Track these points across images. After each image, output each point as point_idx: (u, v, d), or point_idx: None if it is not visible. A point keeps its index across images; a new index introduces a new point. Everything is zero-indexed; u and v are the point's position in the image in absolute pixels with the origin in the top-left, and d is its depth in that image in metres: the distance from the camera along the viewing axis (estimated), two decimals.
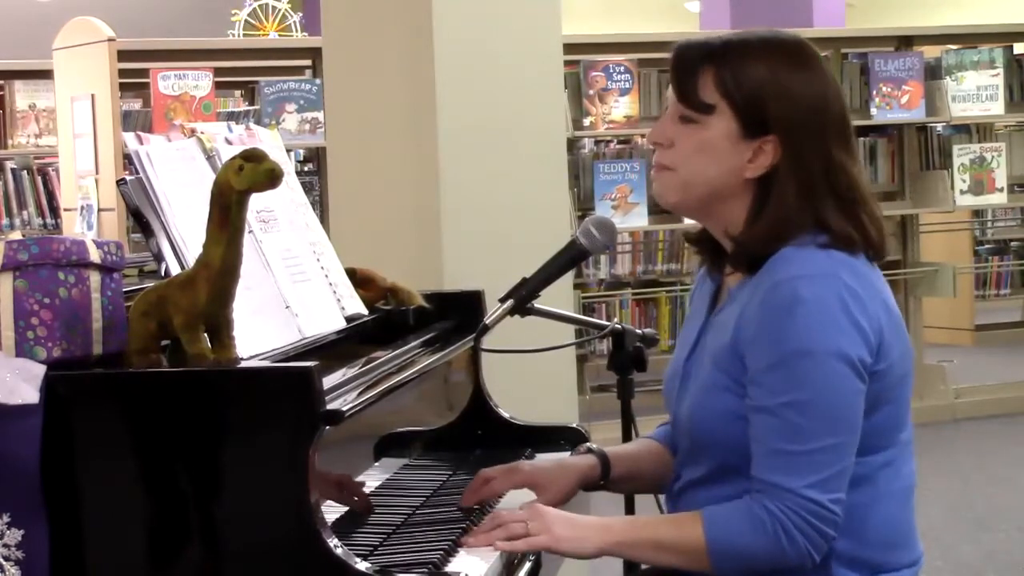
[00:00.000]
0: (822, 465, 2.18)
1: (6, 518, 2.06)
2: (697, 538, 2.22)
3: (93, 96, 6.42)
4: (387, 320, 2.81)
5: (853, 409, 2.21)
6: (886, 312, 2.26)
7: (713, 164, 2.30)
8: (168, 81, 6.64)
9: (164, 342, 2.19)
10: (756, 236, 2.29)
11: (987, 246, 10.53)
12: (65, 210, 6.90)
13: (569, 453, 2.73)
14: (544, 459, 2.66)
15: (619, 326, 2.95)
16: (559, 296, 3.14)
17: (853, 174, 2.30)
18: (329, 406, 2.06)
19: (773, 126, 2.27)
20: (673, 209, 2.42)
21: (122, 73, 6.55)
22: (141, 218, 2.38)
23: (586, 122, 7.33)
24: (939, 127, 8.31)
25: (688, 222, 2.55)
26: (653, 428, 2.63)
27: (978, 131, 8.52)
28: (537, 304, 2.77)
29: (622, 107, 7.34)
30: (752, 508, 2.20)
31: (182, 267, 2.32)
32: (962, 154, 7.93)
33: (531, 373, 3.50)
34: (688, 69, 2.31)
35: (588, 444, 2.63)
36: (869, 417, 2.23)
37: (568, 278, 3.05)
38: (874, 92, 7.76)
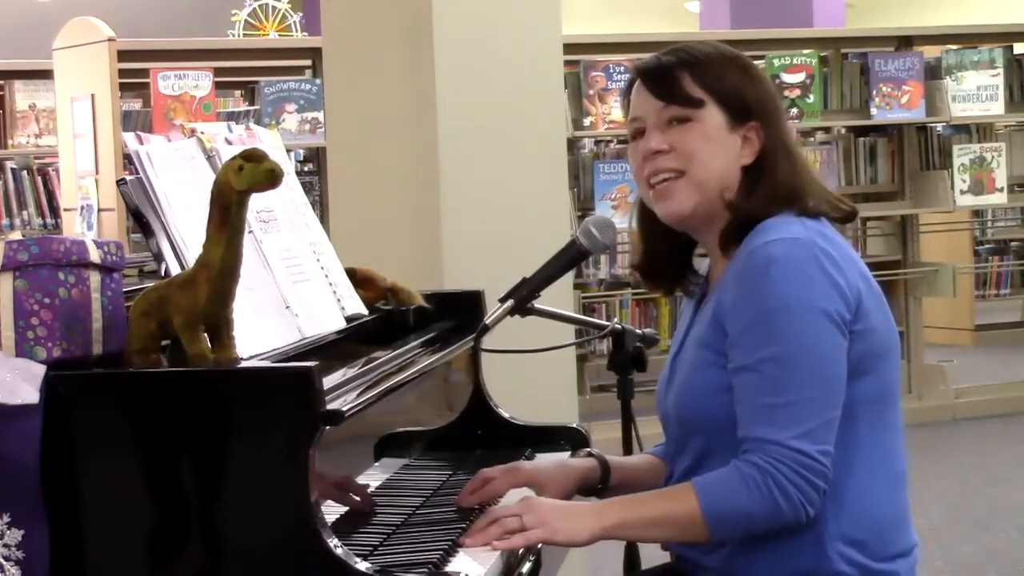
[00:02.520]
0: (807, 416, 2.20)
1: (6, 518, 2.06)
2: (692, 507, 2.23)
3: (93, 96, 6.42)
4: (387, 320, 2.81)
5: (834, 361, 2.23)
6: (865, 283, 2.31)
7: (719, 153, 2.36)
8: (168, 81, 6.64)
9: (164, 342, 2.19)
10: (756, 203, 2.34)
11: (987, 246, 10.53)
12: (65, 210, 6.90)
13: (569, 454, 2.74)
14: (545, 460, 2.66)
15: (619, 326, 2.95)
16: (559, 296, 3.14)
17: (800, 152, 2.45)
18: (329, 406, 2.06)
19: (754, 111, 2.36)
20: (690, 217, 2.38)
21: (122, 73, 6.54)
22: (141, 218, 2.38)
23: (586, 122, 7.33)
24: (939, 127, 8.31)
25: None
26: (652, 431, 2.64)
27: (978, 131, 8.52)
28: (537, 304, 2.77)
29: None
30: (741, 468, 2.22)
31: (182, 267, 2.32)
32: (962, 154, 7.93)
33: (531, 373, 3.50)
34: (665, 75, 2.39)
35: (589, 448, 2.64)
36: (851, 384, 2.25)
37: (568, 278, 3.04)
38: (874, 92, 7.76)
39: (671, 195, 2.38)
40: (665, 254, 2.48)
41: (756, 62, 2.69)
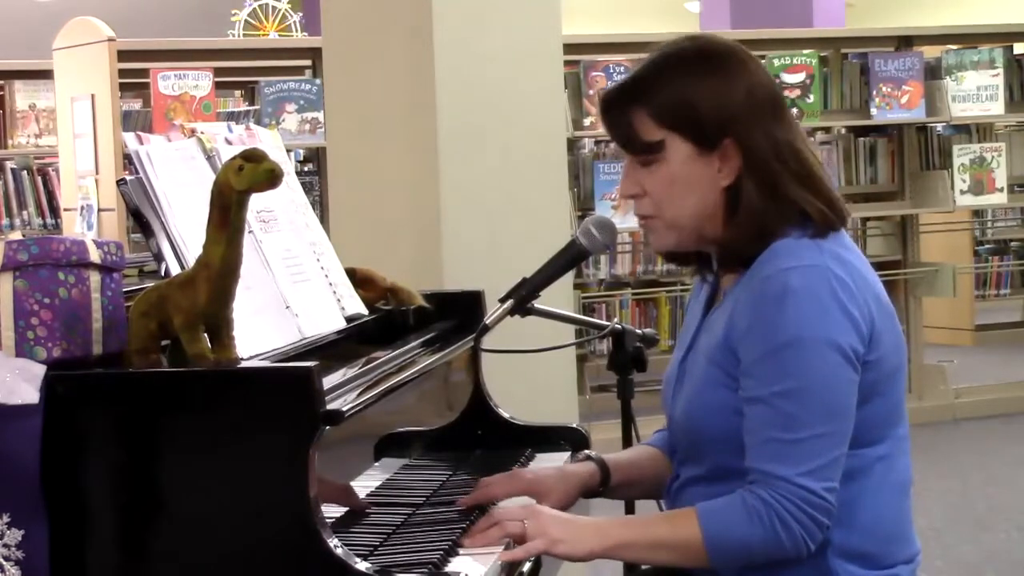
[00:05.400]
0: (815, 453, 2.19)
1: (6, 518, 2.06)
2: (694, 534, 2.22)
3: (93, 96, 6.42)
4: (387, 320, 2.81)
5: (846, 398, 2.22)
6: (877, 303, 2.28)
7: (689, 192, 2.31)
8: (168, 81, 6.64)
9: (164, 342, 2.19)
10: (737, 236, 2.30)
11: (987, 246, 10.53)
12: (65, 210, 6.90)
13: (568, 459, 2.73)
14: (544, 466, 2.65)
15: (619, 326, 2.95)
16: (559, 296, 3.14)
17: (800, 148, 2.32)
18: (329, 406, 2.06)
19: (722, 130, 2.28)
20: (676, 249, 2.41)
21: (122, 73, 6.54)
22: (141, 218, 2.38)
23: (586, 122, 7.33)
24: (939, 127, 8.31)
25: None
26: (652, 431, 2.63)
27: (978, 131, 8.52)
28: (537, 304, 2.77)
29: None
30: (747, 499, 2.21)
31: (182, 267, 2.32)
32: (962, 154, 7.93)
33: (531, 373, 3.50)
34: (620, 119, 2.33)
35: (587, 451, 2.63)
36: (862, 408, 2.25)
37: (568, 278, 3.05)
38: (874, 92, 7.76)
39: (651, 234, 2.39)
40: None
41: None
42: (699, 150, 2.29)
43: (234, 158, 2.13)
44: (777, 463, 2.19)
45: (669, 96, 2.29)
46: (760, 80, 2.33)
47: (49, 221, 7.53)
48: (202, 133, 2.55)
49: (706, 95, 2.28)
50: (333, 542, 2.01)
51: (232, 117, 7.13)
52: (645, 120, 2.30)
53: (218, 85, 6.93)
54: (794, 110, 7.51)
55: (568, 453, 2.81)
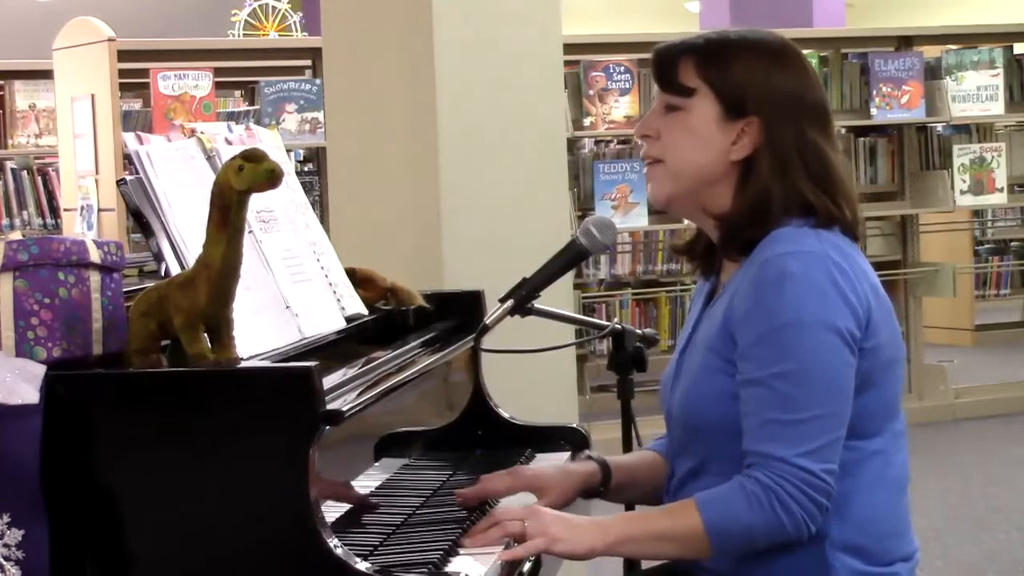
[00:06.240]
0: (813, 435, 2.20)
1: (6, 518, 2.06)
2: (694, 524, 2.22)
3: (93, 96, 6.42)
4: (387, 320, 2.81)
5: (843, 380, 2.23)
6: (875, 295, 2.30)
7: (700, 148, 2.35)
8: (168, 81, 6.64)
9: (164, 342, 2.19)
10: (738, 215, 2.33)
11: (987, 246, 10.53)
12: (65, 210, 6.90)
13: (569, 456, 2.74)
14: (545, 464, 2.65)
15: (619, 326, 2.95)
16: (559, 296, 3.14)
17: (828, 154, 2.35)
18: (329, 406, 2.06)
19: (752, 107, 2.33)
20: (667, 204, 2.43)
21: (122, 73, 6.55)
22: (141, 218, 2.38)
23: (586, 122, 7.33)
24: (939, 127, 8.31)
25: (688, 222, 2.55)
26: (652, 431, 2.64)
27: (978, 131, 8.52)
28: (537, 304, 2.77)
29: (622, 107, 7.34)
30: (745, 484, 2.21)
31: (182, 267, 2.32)
32: (962, 154, 7.93)
33: (531, 373, 3.50)
34: (669, 58, 2.39)
35: (588, 452, 2.64)
36: (858, 398, 2.25)
37: (568, 278, 3.04)
38: (874, 92, 7.76)
39: (651, 180, 2.42)
40: (703, 239, 2.48)
41: None
42: (724, 115, 2.34)
43: (234, 158, 2.13)
44: (776, 444, 2.20)
45: (720, 58, 2.36)
46: (812, 86, 2.39)
47: (49, 221, 7.53)
48: (202, 133, 2.55)
49: (755, 71, 2.34)
50: (333, 542, 2.01)
51: (232, 117, 7.13)
52: (689, 67, 2.36)
53: (218, 85, 6.93)
54: None
55: (568, 453, 2.81)
